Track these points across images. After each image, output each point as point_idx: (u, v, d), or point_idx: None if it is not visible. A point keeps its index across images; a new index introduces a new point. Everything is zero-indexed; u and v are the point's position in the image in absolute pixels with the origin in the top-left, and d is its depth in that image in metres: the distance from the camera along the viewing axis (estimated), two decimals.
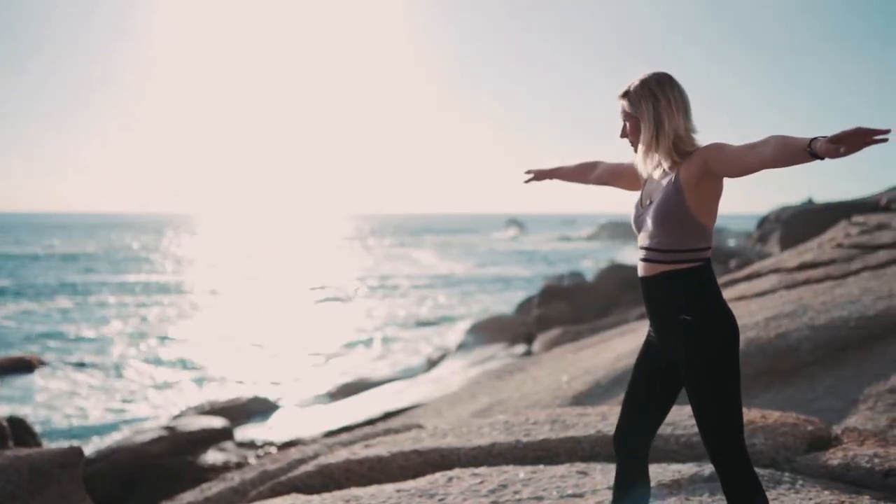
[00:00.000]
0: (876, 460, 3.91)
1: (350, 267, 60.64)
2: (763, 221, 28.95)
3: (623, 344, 9.42)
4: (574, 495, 3.70)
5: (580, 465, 4.08)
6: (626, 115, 2.57)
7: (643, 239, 2.56)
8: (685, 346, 2.45)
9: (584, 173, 3.07)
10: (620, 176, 2.90)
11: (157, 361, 22.95)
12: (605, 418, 4.68)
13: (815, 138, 2.01)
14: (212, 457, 12.68)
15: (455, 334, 26.56)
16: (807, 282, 8.48)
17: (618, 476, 2.73)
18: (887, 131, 1.90)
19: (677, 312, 2.45)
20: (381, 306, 36.82)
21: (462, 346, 21.61)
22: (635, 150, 2.59)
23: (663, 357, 2.58)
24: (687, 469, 3.87)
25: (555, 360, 10.74)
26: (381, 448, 4.56)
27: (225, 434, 13.42)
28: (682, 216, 2.43)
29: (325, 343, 25.87)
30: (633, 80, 2.55)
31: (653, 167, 2.56)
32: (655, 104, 2.47)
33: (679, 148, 2.47)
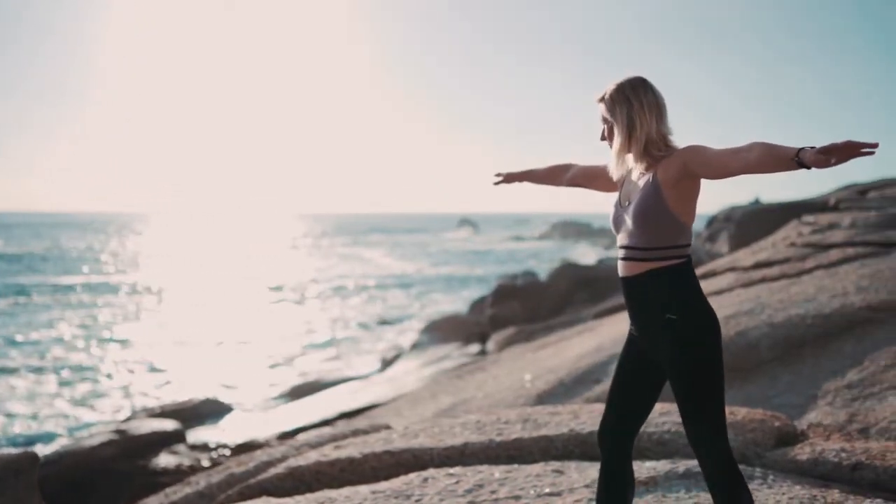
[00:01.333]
0: (843, 454, 3.99)
1: (303, 267, 60.08)
2: (712, 221, 29.57)
3: (582, 343, 9.49)
4: (551, 494, 3.69)
5: (555, 464, 4.08)
6: (604, 120, 2.63)
7: (623, 238, 2.59)
8: (671, 343, 2.48)
9: (556, 176, 3.11)
10: (595, 178, 2.94)
11: (106, 364, 22.39)
12: (576, 417, 4.69)
13: (803, 148, 2.06)
14: (164, 460, 12.44)
15: (409, 334, 26.53)
16: (763, 280, 8.64)
17: (605, 474, 2.73)
18: (875, 145, 1.96)
19: (662, 310, 2.48)
20: (335, 307, 36.57)
21: (416, 346, 21.59)
22: None
23: (647, 354, 2.61)
24: (661, 466, 3.90)
25: (514, 360, 10.77)
26: (353, 449, 4.49)
27: (177, 437, 13.18)
28: (662, 214, 2.47)
29: (279, 344, 25.59)
30: (609, 85, 2.60)
31: (626, 169, 2.61)
32: (629, 108, 2.51)
33: (652, 150, 2.52)
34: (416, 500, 3.71)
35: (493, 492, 3.76)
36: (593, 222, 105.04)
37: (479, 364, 11.83)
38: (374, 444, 4.54)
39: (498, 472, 4.00)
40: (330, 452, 4.49)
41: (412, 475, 4.03)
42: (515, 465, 4.10)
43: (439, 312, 30.34)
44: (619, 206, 2.63)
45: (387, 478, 4.20)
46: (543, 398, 7.24)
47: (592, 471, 3.89)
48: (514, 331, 18.41)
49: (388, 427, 5.51)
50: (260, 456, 5.01)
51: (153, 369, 21.63)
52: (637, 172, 2.57)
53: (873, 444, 4.10)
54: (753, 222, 14.84)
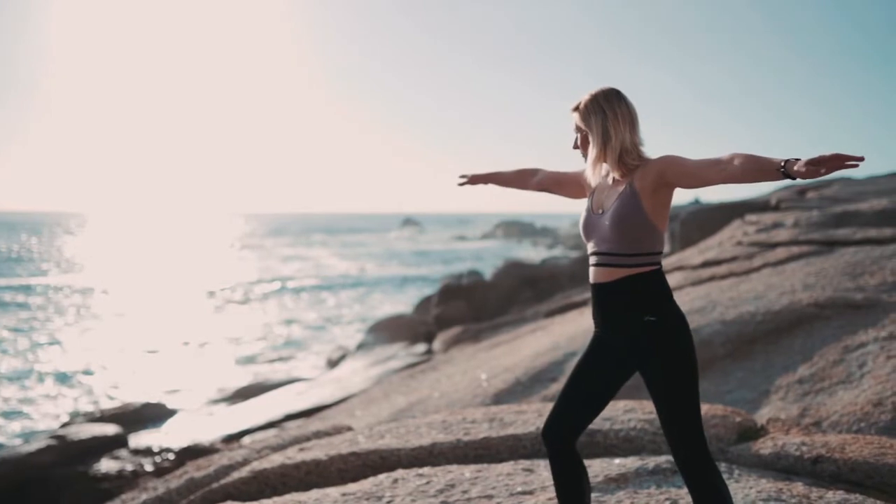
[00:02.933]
0: (804, 448, 4.08)
1: (246, 268, 59.13)
2: None
3: (536, 342, 9.54)
4: (524, 493, 3.69)
5: (524, 463, 4.07)
6: (578, 129, 2.69)
7: (598, 245, 2.63)
8: (652, 344, 2.53)
9: (523, 180, 3.16)
10: (564, 184, 3.00)
11: (42, 368, 21.61)
12: (542, 415, 4.70)
13: (789, 160, 2.13)
14: (106, 465, 12.12)
15: (354, 334, 26.34)
16: (712, 279, 8.82)
17: (557, 470, 2.74)
18: (861, 158, 2.04)
19: (639, 313, 2.54)
20: (279, 308, 36.08)
21: (362, 346, 21.47)
22: (586, 161, 2.71)
23: (613, 357, 2.64)
24: (631, 463, 3.92)
25: (467, 359, 10.77)
26: (318, 451, 4.41)
27: (118, 441, 12.88)
28: (640, 222, 2.53)
29: (222, 346, 25.10)
30: (584, 96, 2.66)
31: (601, 177, 2.68)
32: (603, 119, 2.58)
33: (626, 159, 2.58)
34: (388, 502, 3.66)
35: (464, 491, 3.73)
36: (536, 222, 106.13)
37: (431, 363, 11.80)
38: (339, 445, 4.46)
39: (468, 471, 3.97)
40: (295, 455, 4.40)
41: (381, 476, 3.97)
42: (485, 465, 4.08)
43: (384, 312, 30.22)
44: (592, 213, 2.67)
45: (354, 479, 4.14)
46: (501, 397, 7.25)
47: None
48: (460, 330, 18.46)
49: (349, 428, 5.44)
50: (220, 460, 4.88)
51: (92, 374, 20.99)
52: (611, 181, 2.64)
53: (832, 438, 4.21)
54: (697, 222, 15.20)
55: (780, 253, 9.06)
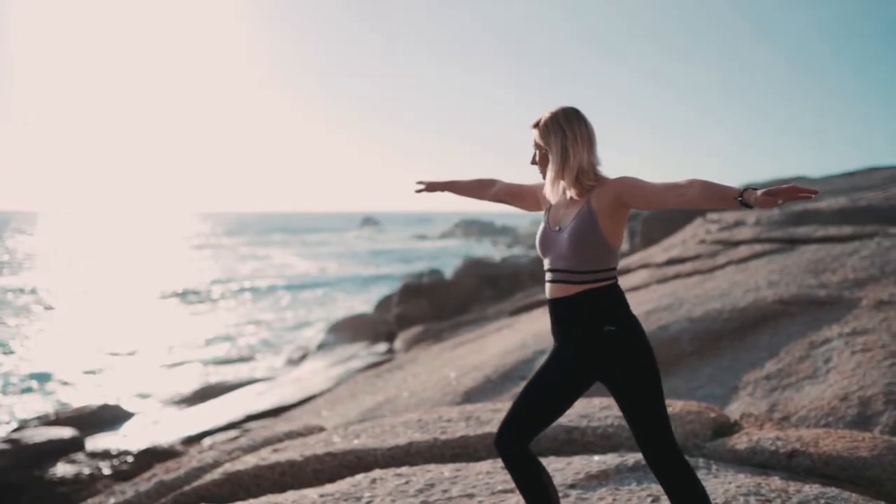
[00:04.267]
0: (779, 443, 4.13)
1: (205, 267, 58.23)
2: None
3: (503, 340, 9.54)
4: (504, 491, 3.66)
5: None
6: (537, 145, 2.74)
7: (555, 262, 2.68)
8: (614, 353, 2.59)
9: (480, 189, 3.20)
10: (521, 197, 3.06)
11: None
12: None
13: (747, 189, 2.24)
14: (62, 469, 11.80)
15: (315, 334, 26.09)
16: (677, 276, 8.91)
17: (516, 474, 2.76)
18: (816, 191, 2.14)
19: (598, 324, 2.60)
20: (238, 307, 35.59)
21: (322, 346, 21.29)
22: (543, 177, 2.77)
23: (571, 370, 2.68)
24: (611, 460, 3.92)
25: (433, 358, 10.73)
26: (293, 452, 4.33)
27: (75, 445, 12.54)
28: (597, 240, 2.60)
29: (180, 346, 24.66)
30: (543, 113, 2.72)
31: (559, 195, 2.72)
32: (563, 138, 2.64)
33: (582, 179, 2.65)
34: (367, 502, 3.60)
35: (445, 491, 3.70)
36: (495, 221, 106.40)
37: (397, 363, 11.72)
38: (314, 445, 4.39)
39: (447, 470, 3.93)
40: (268, 456, 4.31)
41: (359, 476, 3.91)
42: (463, 464, 4.05)
43: (345, 312, 30.00)
44: (549, 230, 2.73)
45: (330, 480, 4.07)
46: (472, 395, 7.23)
47: None
48: (421, 329, 18.42)
49: (322, 428, 5.35)
50: (189, 462, 4.77)
51: (46, 376, 20.43)
52: (567, 199, 2.70)
53: (805, 432, 4.26)
54: (659, 220, 15.36)
55: (743, 251, 9.20)
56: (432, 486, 3.76)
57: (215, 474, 4.25)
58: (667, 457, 2.60)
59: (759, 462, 4.08)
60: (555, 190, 2.71)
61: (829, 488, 3.62)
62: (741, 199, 2.23)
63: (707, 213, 13.60)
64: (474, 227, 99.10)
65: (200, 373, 20.65)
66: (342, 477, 4.07)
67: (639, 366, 2.58)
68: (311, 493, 3.77)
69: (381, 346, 19.54)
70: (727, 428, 4.53)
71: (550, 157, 2.68)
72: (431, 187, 3.27)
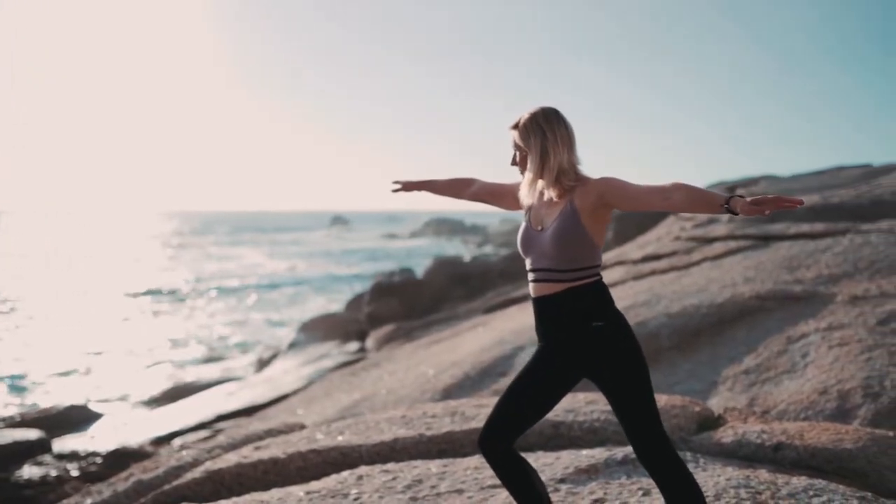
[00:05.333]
0: (764, 436, 4.15)
1: (173, 267, 57.49)
2: None
3: (480, 337, 9.52)
4: (494, 486, 3.63)
5: None
6: (516, 146, 2.73)
7: (538, 261, 2.67)
8: (602, 349, 2.58)
9: (458, 189, 3.19)
10: (500, 196, 3.05)
11: None
12: None
13: (733, 197, 2.28)
14: (28, 471, 11.55)
15: (285, 333, 25.86)
16: (653, 273, 8.96)
17: (502, 474, 2.73)
18: (801, 202, 2.20)
19: (585, 320, 2.59)
20: (207, 307, 35.17)
21: (293, 345, 21.08)
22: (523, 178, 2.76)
23: (557, 369, 2.67)
24: (599, 454, 3.91)
25: (409, 356, 10.67)
26: (276, 449, 4.25)
27: (41, 446, 12.27)
28: (580, 239, 2.60)
29: (149, 347, 24.29)
30: (523, 114, 2.71)
31: (535, 196, 2.72)
32: (543, 139, 2.63)
33: (563, 180, 2.64)
34: (355, 499, 3.55)
35: (433, 486, 3.65)
36: (465, 220, 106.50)
37: (372, 361, 11.64)
38: (297, 443, 4.31)
39: (434, 466, 3.89)
40: (250, 454, 4.23)
41: (345, 473, 3.86)
42: (451, 459, 4.01)
43: (315, 311, 29.78)
44: (531, 229, 2.72)
45: (314, 478, 4.00)
46: (450, 392, 7.19)
47: (530, 460, 3.84)
48: (392, 328, 18.33)
49: (303, 426, 5.27)
50: (167, 461, 4.67)
51: (13, 378, 19.98)
52: (548, 199, 2.69)
53: (790, 425, 4.29)
54: (632, 218, 15.46)
55: (718, 248, 9.28)
56: (420, 482, 3.72)
57: (196, 473, 4.16)
58: (658, 451, 2.59)
59: (745, 455, 4.10)
60: (531, 190, 2.71)
61: (817, 480, 3.64)
62: (727, 206, 2.27)
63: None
64: (444, 227, 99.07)
65: (170, 373, 20.36)
66: (326, 474, 4.01)
67: (627, 361, 2.57)
68: (297, 490, 3.70)
69: (353, 345, 19.41)
70: (712, 422, 4.54)
71: (530, 158, 2.66)
72: (408, 187, 3.24)
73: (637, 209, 2.57)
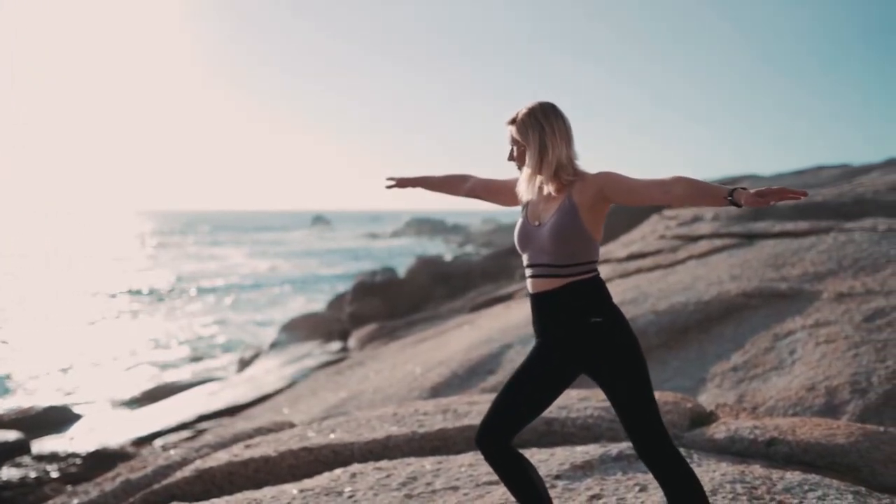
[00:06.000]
0: (757, 431, 4.16)
1: (153, 267, 56.97)
2: None
3: (467, 335, 9.50)
4: (489, 483, 3.61)
5: None
6: (514, 141, 2.72)
7: (536, 257, 2.66)
8: (601, 344, 2.57)
9: (453, 185, 3.16)
10: (496, 192, 3.03)
11: None
12: None
13: (736, 189, 2.28)
14: (6, 473, 11.36)
15: (267, 333, 25.72)
16: (639, 271, 8.98)
17: (501, 472, 2.71)
18: (804, 193, 2.21)
19: (584, 316, 2.58)
20: (188, 307, 34.89)
21: (275, 345, 20.98)
22: (521, 173, 2.74)
23: (555, 365, 2.65)
24: (594, 450, 3.90)
25: (394, 354, 10.64)
26: (267, 447, 4.21)
27: (20, 447, 12.09)
28: (579, 234, 2.58)
29: (128, 347, 24.04)
30: (520, 109, 2.70)
31: (534, 191, 2.70)
32: (541, 133, 2.62)
33: (561, 174, 2.63)
34: (349, 497, 3.51)
35: (428, 483, 3.63)
36: (447, 219, 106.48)
37: (357, 359, 11.59)
38: (288, 441, 4.27)
39: (428, 463, 3.87)
40: (241, 452, 4.18)
41: (338, 471, 3.82)
42: (444, 457, 3.98)
43: (297, 311, 29.63)
44: (528, 225, 2.70)
45: (306, 475, 3.96)
46: (438, 390, 7.17)
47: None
48: (375, 327, 18.27)
49: (292, 424, 5.22)
50: (155, 460, 4.60)
51: None
52: (546, 194, 2.67)
53: (782, 421, 4.30)
54: (615, 216, 15.51)
55: (704, 245, 9.33)
56: (415, 479, 3.69)
57: (186, 472, 4.10)
58: (658, 446, 2.58)
59: (737, 451, 4.10)
60: (530, 186, 2.69)
61: (811, 475, 3.66)
62: (731, 198, 2.26)
63: (663, 209, 13.76)
64: (426, 226, 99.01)
65: (150, 373, 20.20)
66: (318, 472, 3.97)
67: (625, 356, 2.56)
68: (290, 488, 3.66)
69: (335, 345, 19.32)
70: (703, 418, 4.55)
71: (528, 153, 2.65)
72: (402, 183, 3.20)
73: (637, 203, 2.57)
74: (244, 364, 19.86)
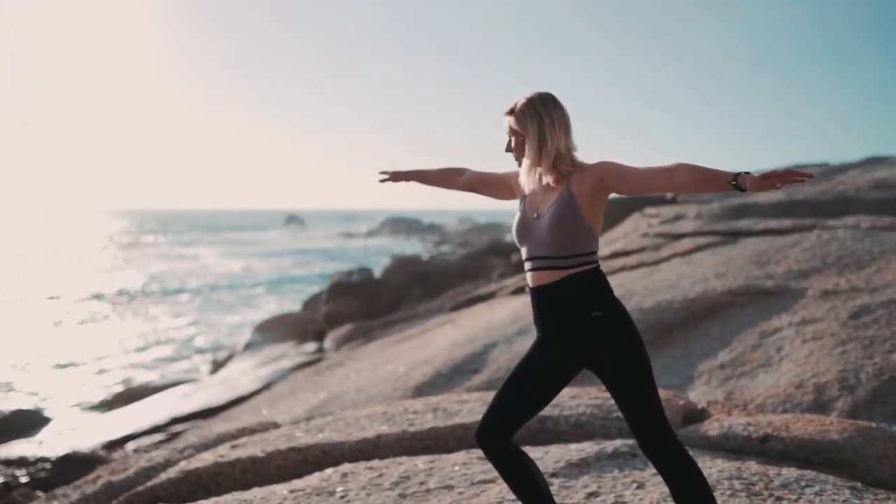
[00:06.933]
0: (751, 428, 4.13)
1: (124, 267, 56.19)
2: None
3: (450, 334, 9.43)
4: (484, 482, 3.54)
5: (477, 452, 3.92)
6: (512, 132, 2.69)
7: (535, 249, 2.62)
8: (602, 339, 2.53)
9: (449, 179, 3.12)
10: (492, 185, 2.98)
11: None
12: (486, 404, 4.53)
13: (740, 173, 2.25)
14: None
15: (241, 334, 25.42)
16: (622, 269, 8.96)
17: (503, 470, 2.66)
18: (810, 175, 2.19)
19: (585, 310, 2.53)
20: (160, 308, 34.41)
21: (250, 346, 20.70)
22: (519, 165, 2.70)
23: (557, 360, 2.62)
24: (589, 448, 3.85)
25: (375, 354, 10.54)
26: (253, 448, 4.10)
27: None
28: (578, 225, 2.54)
29: (100, 349, 23.64)
30: (519, 99, 2.67)
31: (535, 182, 2.66)
32: (540, 123, 2.59)
33: (560, 165, 2.60)
34: (342, 497, 3.42)
35: (422, 483, 3.55)
36: (423, 219, 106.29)
37: (337, 360, 11.46)
38: (275, 441, 4.16)
39: (421, 462, 3.79)
40: (228, 453, 4.06)
41: (328, 471, 3.72)
42: (436, 455, 3.90)
43: (272, 311, 29.34)
44: (527, 217, 2.67)
45: (296, 476, 3.87)
46: (423, 389, 7.08)
47: None
48: (351, 328, 18.10)
49: (276, 425, 5.11)
50: (137, 462, 4.47)
51: None
52: (545, 185, 2.64)
53: (775, 417, 4.28)
54: (608, 213, 15.49)
55: (687, 243, 9.33)
56: (408, 478, 3.60)
57: (171, 473, 3.98)
58: (662, 442, 2.54)
59: (732, 448, 4.08)
60: (531, 177, 2.64)
61: (806, 471, 3.63)
62: (735, 182, 2.23)
63: (644, 207, 13.78)
64: (401, 225, 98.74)
65: (122, 375, 19.86)
66: (308, 472, 3.88)
67: (628, 351, 2.52)
68: (280, 489, 3.56)
69: (311, 346, 19.12)
70: (696, 415, 4.52)
71: (527, 143, 2.62)
72: (396, 177, 3.14)
73: (638, 192, 2.52)
74: (218, 365, 19.60)
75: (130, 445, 12.10)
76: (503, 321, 8.44)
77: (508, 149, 2.71)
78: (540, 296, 2.61)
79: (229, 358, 19.97)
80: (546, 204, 2.60)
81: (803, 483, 3.45)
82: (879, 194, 10.37)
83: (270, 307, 32.99)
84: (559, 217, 2.53)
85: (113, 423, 13.81)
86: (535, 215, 2.62)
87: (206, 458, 4.09)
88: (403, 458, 3.87)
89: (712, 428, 4.21)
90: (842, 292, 6.68)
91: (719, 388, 5.87)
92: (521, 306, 9.07)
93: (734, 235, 9.37)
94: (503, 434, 2.62)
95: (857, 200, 9.90)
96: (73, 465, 11.03)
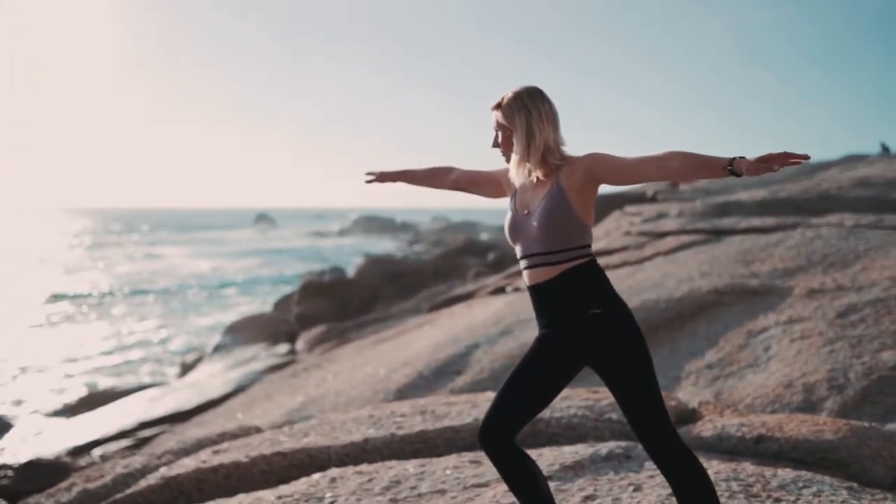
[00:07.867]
0: (744, 429, 4.08)
1: (88, 267, 55.19)
2: None
3: (429, 336, 9.31)
4: (477, 485, 3.44)
5: (469, 455, 3.82)
6: (499, 126, 2.66)
7: (528, 247, 2.58)
8: (602, 336, 2.48)
9: (436, 178, 3.10)
10: (481, 184, 2.96)
11: None
12: (475, 406, 4.46)
13: (735, 158, 2.21)
14: None
15: (210, 336, 25.01)
16: (605, 268, 8.86)
17: (505, 472, 2.60)
18: (807, 157, 2.15)
19: (584, 307, 2.49)
20: (126, 310, 33.78)
21: (219, 348, 20.34)
22: (507, 160, 2.67)
23: (558, 358, 2.57)
24: (584, 450, 3.76)
25: (352, 356, 10.38)
26: (236, 453, 3.95)
27: None
28: (569, 219, 2.52)
29: (65, 352, 23.08)
30: (506, 93, 2.64)
31: (525, 176, 2.63)
32: (528, 117, 2.56)
33: (549, 159, 2.57)
34: (331, 503, 3.28)
35: (413, 487, 3.43)
36: (396, 217, 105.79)
37: (313, 361, 11.27)
38: (259, 446, 4.02)
39: (411, 466, 3.67)
40: (210, 458, 3.91)
41: (316, 476, 3.59)
42: (426, 459, 3.79)
43: (242, 312, 28.91)
44: (517, 215, 2.64)
45: (281, 481, 3.73)
46: (404, 392, 6.96)
47: None
48: (324, 329, 17.87)
49: (259, 429, 4.95)
50: (113, 468, 4.29)
51: None
52: (534, 180, 2.61)
53: (768, 418, 4.23)
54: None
55: (670, 242, 9.30)
56: (398, 483, 3.49)
57: (151, 479, 3.82)
58: (665, 442, 2.49)
59: (726, 448, 4.02)
60: (520, 172, 2.61)
61: (802, 472, 3.59)
62: (730, 167, 2.21)
63: (625, 205, 13.74)
64: (374, 224, 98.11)
65: (87, 379, 19.38)
66: (294, 478, 3.75)
67: (628, 348, 2.46)
68: (267, 494, 3.42)
69: (283, 347, 18.85)
70: (688, 415, 4.46)
71: (515, 138, 2.59)
72: (383, 178, 3.10)
73: (629, 182, 2.50)
74: (186, 368, 19.23)
75: (97, 451, 11.79)
76: (485, 322, 8.34)
77: (496, 144, 2.68)
78: (538, 294, 2.57)
79: (198, 360, 19.61)
80: (536, 199, 2.58)
81: (800, 484, 3.41)
82: (862, 192, 10.44)
83: (241, 308, 32.52)
84: (549, 212, 2.51)
85: (78, 429, 13.46)
86: (526, 212, 2.60)
87: (188, 464, 3.93)
88: (393, 462, 3.75)
89: (705, 429, 4.15)
90: (828, 291, 6.68)
91: (707, 388, 5.83)
92: (503, 306, 8.98)
93: (718, 234, 9.36)
94: (505, 434, 2.57)
95: (840, 198, 9.95)
96: (37, 472, 10.71)
